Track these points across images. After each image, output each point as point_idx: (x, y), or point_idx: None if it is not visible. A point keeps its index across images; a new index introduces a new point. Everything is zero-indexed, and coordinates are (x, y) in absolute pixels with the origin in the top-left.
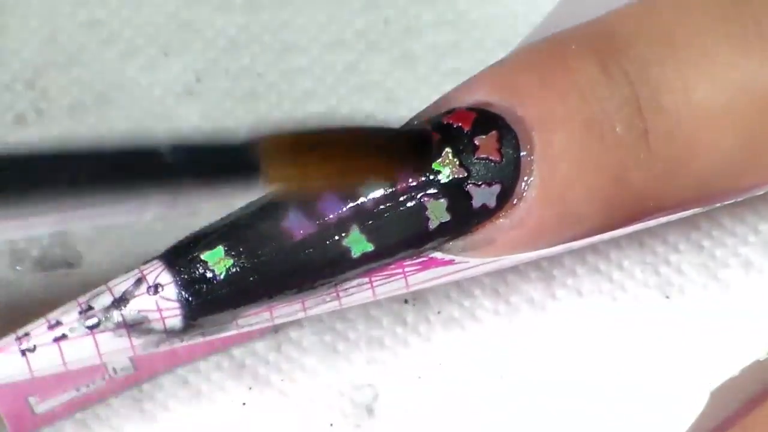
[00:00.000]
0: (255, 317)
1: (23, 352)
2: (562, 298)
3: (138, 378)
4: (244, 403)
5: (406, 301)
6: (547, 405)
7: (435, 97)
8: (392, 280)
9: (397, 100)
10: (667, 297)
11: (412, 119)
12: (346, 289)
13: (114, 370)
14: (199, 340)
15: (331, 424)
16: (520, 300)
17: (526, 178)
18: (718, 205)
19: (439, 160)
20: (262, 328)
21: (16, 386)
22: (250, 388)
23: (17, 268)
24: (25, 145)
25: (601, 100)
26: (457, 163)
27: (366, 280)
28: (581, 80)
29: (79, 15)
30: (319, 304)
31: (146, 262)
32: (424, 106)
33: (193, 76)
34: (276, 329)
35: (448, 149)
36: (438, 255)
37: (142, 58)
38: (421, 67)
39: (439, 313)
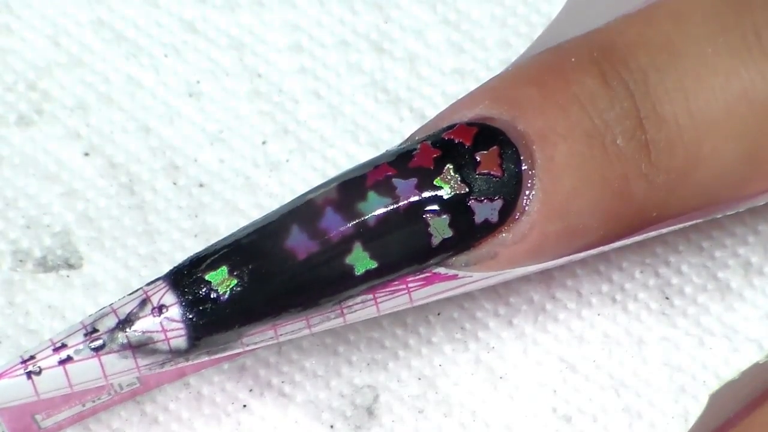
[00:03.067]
0: (260, 336)
1: (29, 375)
2: (561, 299)
3: (143, 392)
4: (244, 405)
5: None
6: (546, 406)
7: (437, 98)
8: (396, 296)
9: (399, 101)
10: (667, 298)
11: (413, 134)
12: (351, 306)
13: (120, 386)
14: (205, 359)
15: (332, 426)
16: (520, 301)
17: (527, 193)
18: (720, 216)
19: (441, 176)
20: None
21: (22, 405)
22: (251, 390)
23: (19, 269)
24: None
25: (601, 112)
26: (459, 178)
27: (370, 296)
28: (581, 93)
29: (81, 16)
30: (324, 321)
31: (150, 282)
32: (425, 107)
33: (194, 76)
34: None
35: (449, 165)
36: (441, 270)
37: (144, 59)
38: (422, 67)
39: (438, 314)
